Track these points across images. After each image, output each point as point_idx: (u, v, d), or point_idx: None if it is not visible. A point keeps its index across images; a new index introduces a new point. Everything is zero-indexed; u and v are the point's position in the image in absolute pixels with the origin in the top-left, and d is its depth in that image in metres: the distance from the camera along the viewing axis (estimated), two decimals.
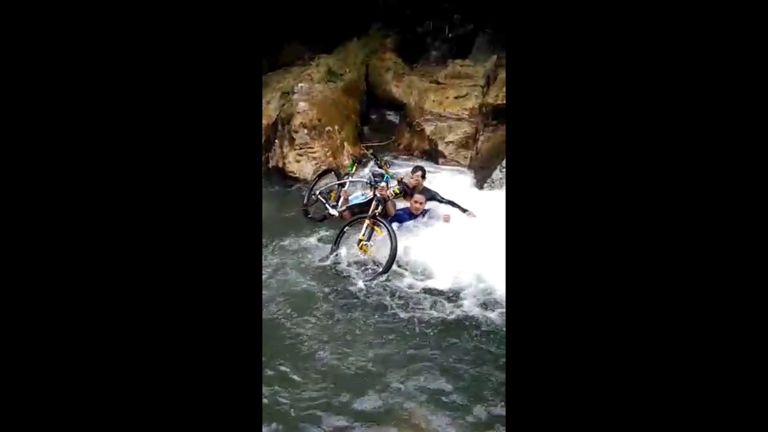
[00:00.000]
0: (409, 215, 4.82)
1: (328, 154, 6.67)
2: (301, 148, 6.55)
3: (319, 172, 5.93)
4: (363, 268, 4.36)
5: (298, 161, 6.49)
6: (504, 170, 5.48)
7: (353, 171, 5.55)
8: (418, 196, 4.86)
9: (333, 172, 5.80)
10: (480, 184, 5.70)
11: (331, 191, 5.40)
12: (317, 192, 5.44)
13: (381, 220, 4.47)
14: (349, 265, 4.38)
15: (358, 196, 5.07)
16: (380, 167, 5.03)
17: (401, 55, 7.80)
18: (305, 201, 5.49)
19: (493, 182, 5.48)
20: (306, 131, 6.65)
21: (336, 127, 6.88)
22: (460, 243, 4.42)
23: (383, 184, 4.69)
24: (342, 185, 5.35)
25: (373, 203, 4.61)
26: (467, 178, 6.05)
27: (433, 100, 7.09)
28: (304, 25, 7.65)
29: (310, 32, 7.73)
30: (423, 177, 5.23)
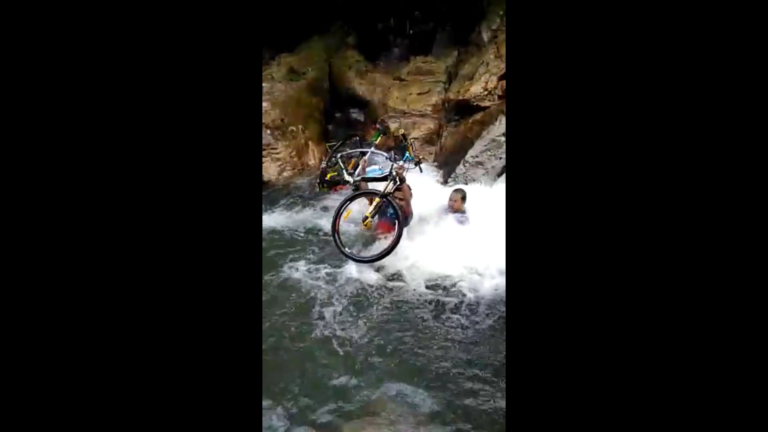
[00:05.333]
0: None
1: (292, 154, 6.61)
2: (264, 149, 6.47)
3: (345, 137, 5.75)
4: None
5: (261, 162, 6.42)
6: (467, 165, 5.56)
7: (378, 141, 5.32)
8: (453, 194, 4.78)
9: (358, 138, 5.59)
10: (444, 180, 5.75)
11: (351, 158, 5.25)
12: (338, 155, 5.30)
13: (393, 202, 4.22)
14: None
15: (375, 169, 4.78)
16: (405, 146, 4.75)
17: (363, 52, 7.80)
18: (325, 164, 5.35)
19: (457, 177, 5.54)
20: (269, 131, 6.57)
21: (300, 127, 6.82)
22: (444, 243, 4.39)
23: (402, 162, 4.47)
24: (363, 153, 5.15)
25: (389, 181, 4.36)
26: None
27: (397, 97, 7.10)
28: (265, 24, 7.55)
29: (271, 31, 7.64)
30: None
